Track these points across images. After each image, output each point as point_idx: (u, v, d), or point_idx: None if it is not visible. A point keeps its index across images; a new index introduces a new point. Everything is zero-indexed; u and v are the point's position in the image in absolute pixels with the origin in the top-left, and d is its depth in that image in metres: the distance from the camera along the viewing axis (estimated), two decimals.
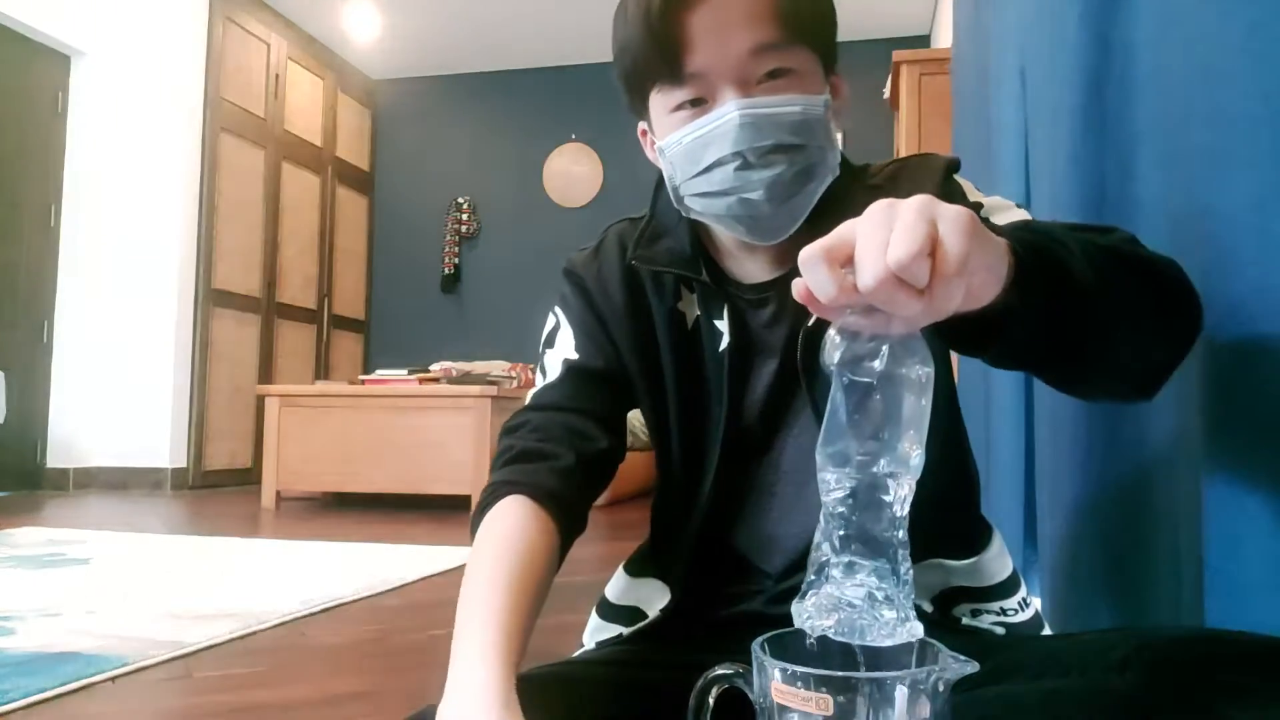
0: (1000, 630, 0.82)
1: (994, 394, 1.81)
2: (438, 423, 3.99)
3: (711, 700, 0.54)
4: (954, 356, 0.88)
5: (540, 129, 6.38)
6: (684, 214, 0.82)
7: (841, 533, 0.49)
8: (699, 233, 0.85)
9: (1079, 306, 0.57)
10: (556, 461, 0.81)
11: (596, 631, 0.93)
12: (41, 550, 2.77)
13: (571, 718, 0.71)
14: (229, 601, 2.02)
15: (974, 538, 0.86)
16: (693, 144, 0.75)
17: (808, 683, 0.46)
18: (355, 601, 2.07)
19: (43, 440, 4.73)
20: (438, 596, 2.14)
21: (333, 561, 2.61)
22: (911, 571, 0.48)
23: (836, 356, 0.49)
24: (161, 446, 4.84)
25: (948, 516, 0.82)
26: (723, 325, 0.83)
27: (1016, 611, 0.84)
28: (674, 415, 0.87)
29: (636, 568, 0.94)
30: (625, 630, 0.89)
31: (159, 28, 4.99)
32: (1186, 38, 0.79)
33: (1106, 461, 1.09)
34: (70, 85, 4.85)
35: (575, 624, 0.97)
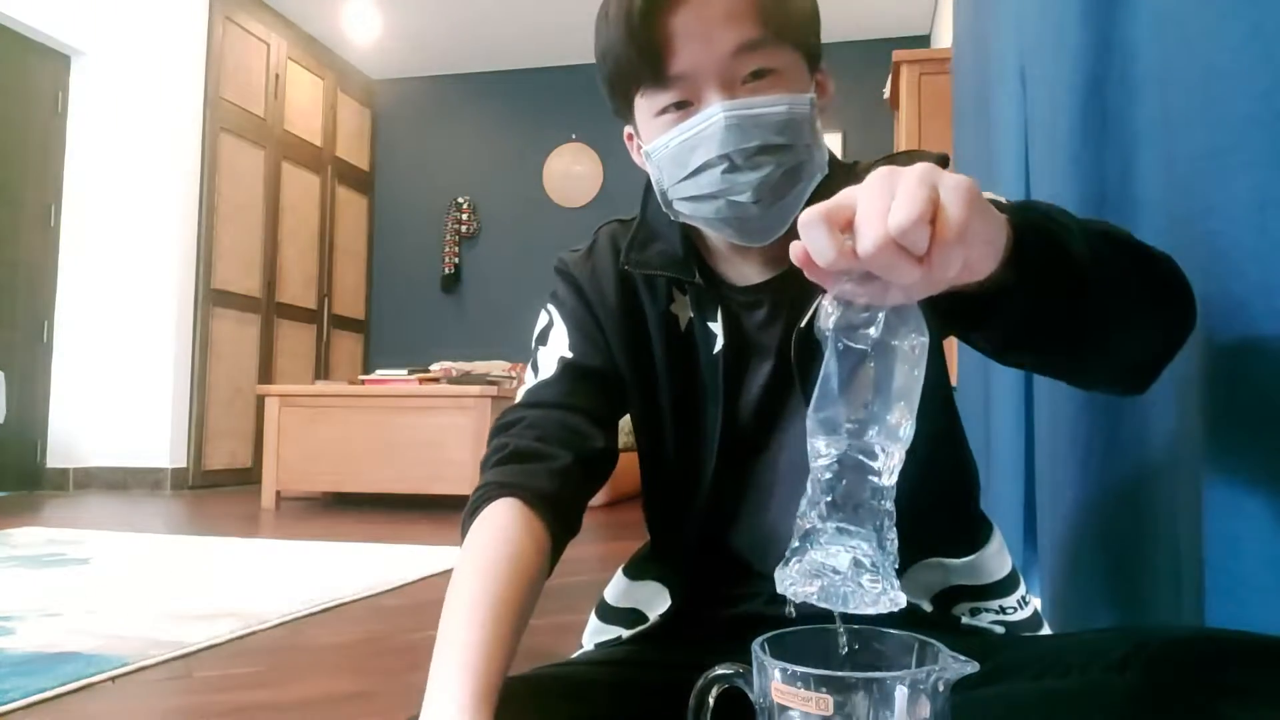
0: (1000, 629, 0.82)
1: (994, 393, 1.81)
2: (437, 423, 3.99)
3: (711, 700, 0.54)
4: (950, 354, 0.88)
5: (540, 129, 6.38)
6: (673, 217, 0.82)
7: (828, 499, 0.48)
8: (690, 235, 0.85)
9: (1076, 286, 0.57)
10: (553, 462, 0.80)
11: (596, 633, 0.93)
12: (41, 550, 2.77)
13: (571, 718, 0.71)
14: (229, 601, 2.02)
15: (973, 535, 0.86)
16: (679, 147, 0.75)
17: (808, 683, 0.46)
18: (355, 601, 2.07)
19: (43, 440, 4.73)
20: (438, 596, 2.12)
21: (333, 561, 2.61)
22: (897, 542, 0.48)
23: (832, 322, 0.49)
24: (161, 446, 4.84)
25: (946, 514, 0.82)
26: (717, 327, 0.83)
27: (1016, 609, 0.84)
28: (668, 417, 0.86)
29: (635, 570, 0.93)
30: (625, 632, 0.89)
31: (159, 27, 4.98)
32: (1187, 37, 0.79)
33: (1107, 461, 1.09)
34: (70, 85, 4.85)
35: (575, 624, 0.97)
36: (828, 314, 0.49)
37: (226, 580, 2.30)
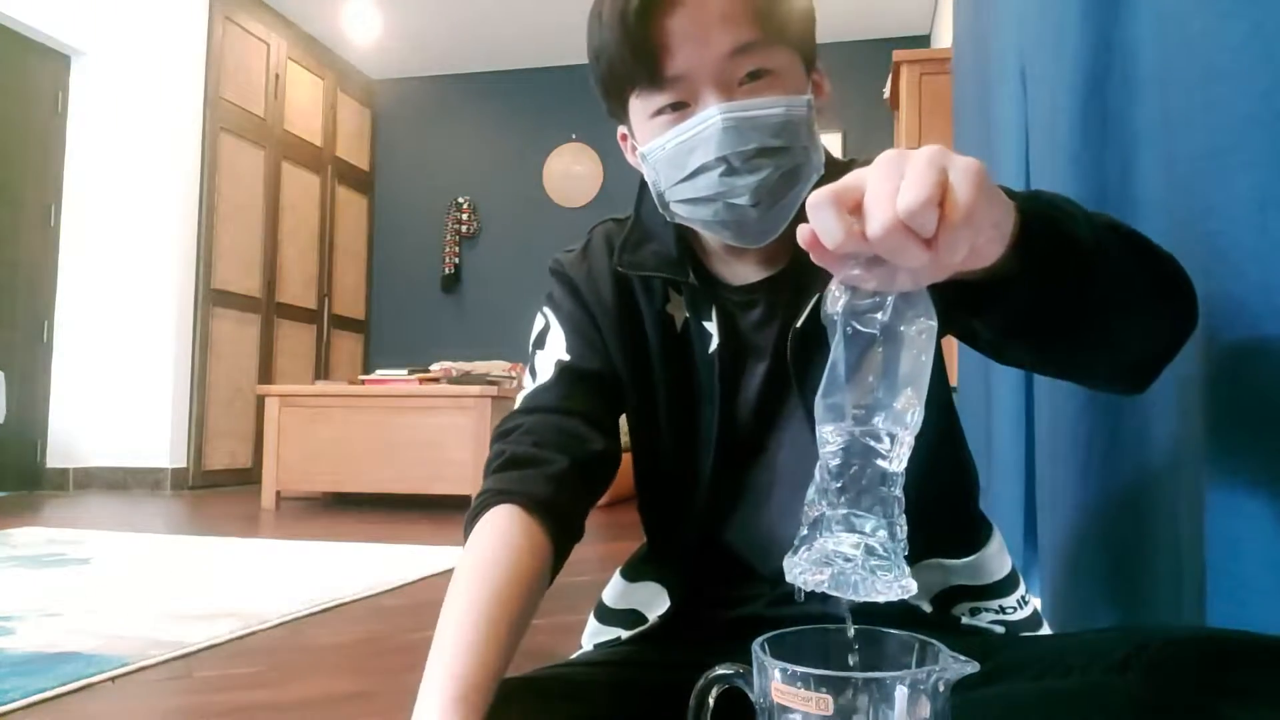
0: (999, 629, 0.82)
1: (994, 394, 1.81)
2: (437, 423, 3.99)
3: (711, 700, 0.54)
4: (950, 355, 0.87)
5: (540, 129, 6.37)
6: (669, 219, 0.81)
7: (837, 485, 0.48)
8: (685, 235, 0.85)
9: (1080, 273, 0.56)
10: (549, 467, 0.79)
11: (595, 635, 0.93)
12: (41, 550, 2.77)
13: (571, 718, 0.71)
14: (229, 601, 2.02)
15: (973, 536, 0.86)
16: (676, 149, 0.74)
17: (808, 683, 0.46)
18: (355, 601, 2.07)
19: (43, 440, 4.72)
20: (438, 596, 2.12)
21: (333, 561, 2.61)
22: (906, 529, 0.48)
23: (840, 306, 0.48)
24: (161, 446, 4.84)
25: (946, 515, 0.82)
26: (712, 327, 0.83)
27: (1015, 609, 0.84)
28: (664, 418, 0.86)
29: (633, 572, 0.93)
30: (624, 633, 0.89)
31: (159, 27, 4.98)
32: (1187, 37, 0.79)
33: (1107, 461, 1.09)
34: (70, 85, 4.85)
35: (575, 624, 0.97)
36: (835, 298, 0.49)
37: (226, 580, 2.30)
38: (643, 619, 0.87)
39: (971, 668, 0.47)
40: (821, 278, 0.77)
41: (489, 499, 0.78)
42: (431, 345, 6.08)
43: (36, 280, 4.68)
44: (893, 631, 0.52)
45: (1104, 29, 1.06)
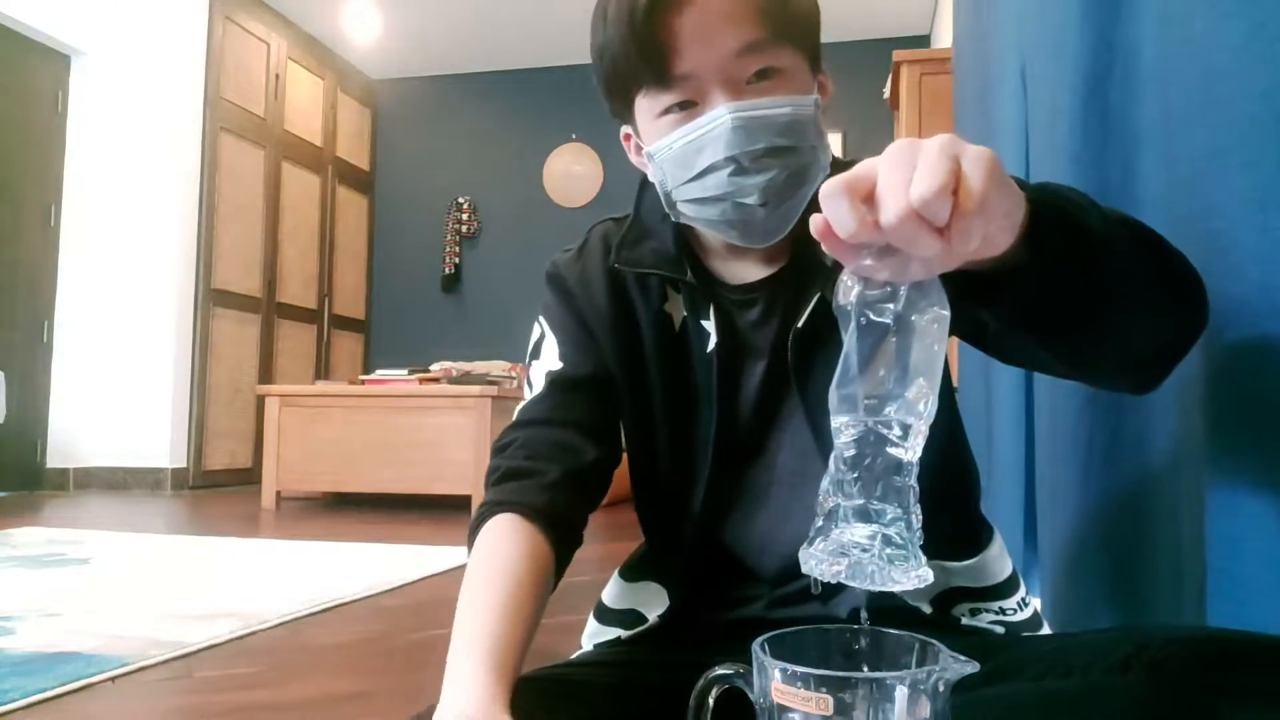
0: (999, 629, 0.82)
1: (995, 394, 1.81)
2: (438, 423, 3.99)
3: (711, 700, 0.54)
4: (951, 356, 0.87)
5: (540, 129, 6.37)
6: (675, 219, 0.81)
7: (852, 476, 0.48)
8: (684, 233, 0.84)
9: (1090, 264, 0.56)
10: (543, 478, 0.80)
11: (594, 635, 0.93)
12: (41, 550, 2.77)
13: (571, 719, 0.71)
14: (229, 601, 2.02)
15: (974, 538, 0.86)
16: (684, 149, 0.74)
17: (808, 683, 0.46)
18: (355, 601, 2.07)
19: (43, 440, 4.72)
20: (438, 596, 2.14)
21: (333, 561, 2.61)
22: (921, 518, 0.47)
23: (853, 296, 0.48)
24: (161, 446, 4.84)
25: (947, 517, 0.82)
26: (710, 326, 0.82)
27: (1016, 611, 0.84)
28: (661, 418, 0.86)
29: (632, 573, 0.93)
30: (624, 633, 0.89)
31: (158, 27, 4.98)
32: (1188, 37, 0.79)
33: (1107, 461, 1.09)
34: (70, 85, 4.85)
35: (576, 624, 0.97)
36: (848, 289, 0.49)
37: (226, 580, 2.30)
38: (642, 619, 0.87)
39: (971, 668, 0.47)
40: (820, 277, 0.77)
41: (489, 510, 0.79)
42: (431, 345, 6.08)
43: (36, 280, 4.68)
44: (893, 631, 0.52)
45: (1104, 29, 1.05)
